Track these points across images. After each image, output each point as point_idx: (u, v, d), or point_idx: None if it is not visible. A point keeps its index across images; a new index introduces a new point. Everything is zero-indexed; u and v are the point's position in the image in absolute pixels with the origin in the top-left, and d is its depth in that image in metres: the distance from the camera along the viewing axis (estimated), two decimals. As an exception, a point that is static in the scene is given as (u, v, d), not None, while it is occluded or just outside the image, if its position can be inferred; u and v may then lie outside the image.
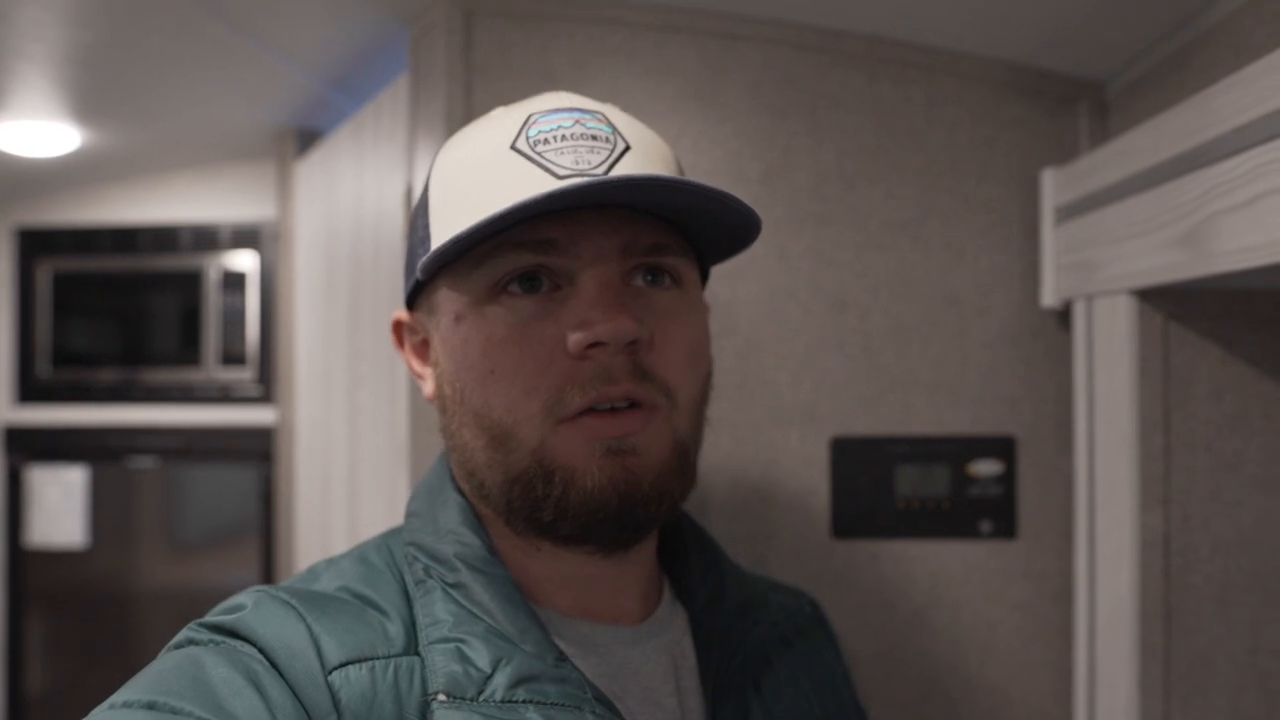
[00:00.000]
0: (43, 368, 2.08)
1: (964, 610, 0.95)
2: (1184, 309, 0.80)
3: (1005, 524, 0.95)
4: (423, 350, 0.61)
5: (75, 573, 2.08)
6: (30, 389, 2.09)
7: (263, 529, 1.99)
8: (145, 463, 2.06)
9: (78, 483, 2.07)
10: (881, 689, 0.94)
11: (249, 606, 0.50)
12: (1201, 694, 0.81)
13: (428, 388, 0.60)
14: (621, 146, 0.53)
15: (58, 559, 2.08)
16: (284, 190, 1.76)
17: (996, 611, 0.95)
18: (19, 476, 2.10)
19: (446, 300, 0.55)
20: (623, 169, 0.52)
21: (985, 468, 0.95)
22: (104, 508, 2.08)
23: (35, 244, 2.08)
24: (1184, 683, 0.81)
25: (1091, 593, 0.89)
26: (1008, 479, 0.95)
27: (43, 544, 2.08)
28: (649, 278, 0.54)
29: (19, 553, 2.09)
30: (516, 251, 0.51)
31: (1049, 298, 0.93)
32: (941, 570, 0.95)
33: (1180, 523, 0.81)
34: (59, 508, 2.08)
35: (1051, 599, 0.95)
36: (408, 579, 0.55)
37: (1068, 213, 0.90)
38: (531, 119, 0.54)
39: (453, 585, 0.53)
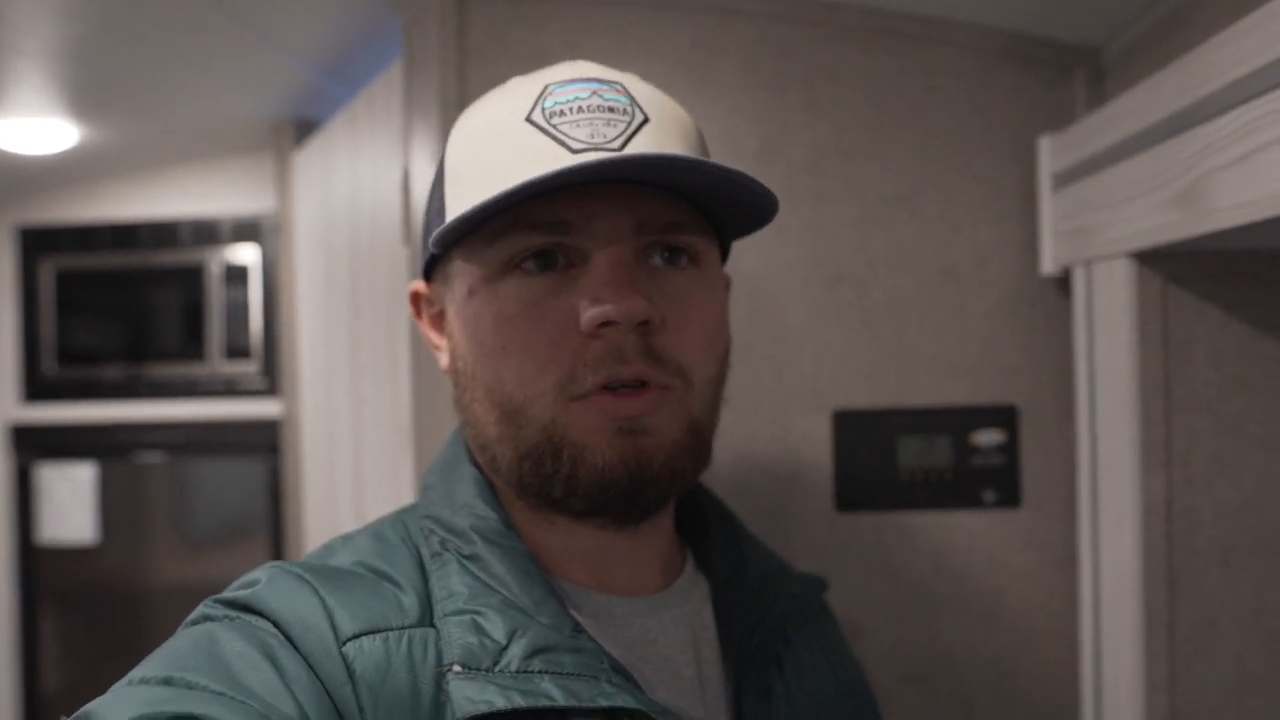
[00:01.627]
0: (48, 366, 2.09)
1: (969, 580, 0.95)
2: (1183, 271, 0.80)
3: (1008, 493, 0.95)
4: (439, 321, 0.61)
5: (86, 569, 2.09)
6: (36, 387, 2.10)
7: (272, 521, 2.00)
8: (153, 458, 2.07)
9: (86, 479, 2.08)
10: (887, 660, 0.94)
11: (263, 581, 0.50)
12: (1206, 656, 0.81)
13: (443, 359, 0.60)
14: (639, 119, 0.52)
15: (69, 556, 2.10)
16: (283, 182, 1.76)
17: (1001, 580, 0.95)
18: (28, 475, 2.11)
19: (461, 273, 0.55)
20: (640, 142, 0.51)
21: (987, 437, 0.95)
22: (113, 504, 2.09)
23: (37, 242, 2.08)
24: (1188, 645, 0.81)
25: (1095, 559, 0.89)
26: (1010, 448, 0.95)
27: (53, 541, 2.10)
28: (665, 256, 0.53)
29: (30, 550, 2.11)
30: (530, 231, 0.51)
31: (1048, 265, 0.93)
32: (946, 540, 0.95)
33: (1183, 486, 0.81)
34: (69, 505, 2.09)
35: (1056, 566, 0.95)
36: (424, 552, 0.55)
37: (1065, 178, 0.90)
38: (548, 90, 0.53)
39: (468, 557, 0.54)
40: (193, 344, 2.04)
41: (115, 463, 2.08)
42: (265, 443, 1.98)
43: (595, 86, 0.53)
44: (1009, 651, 0.95)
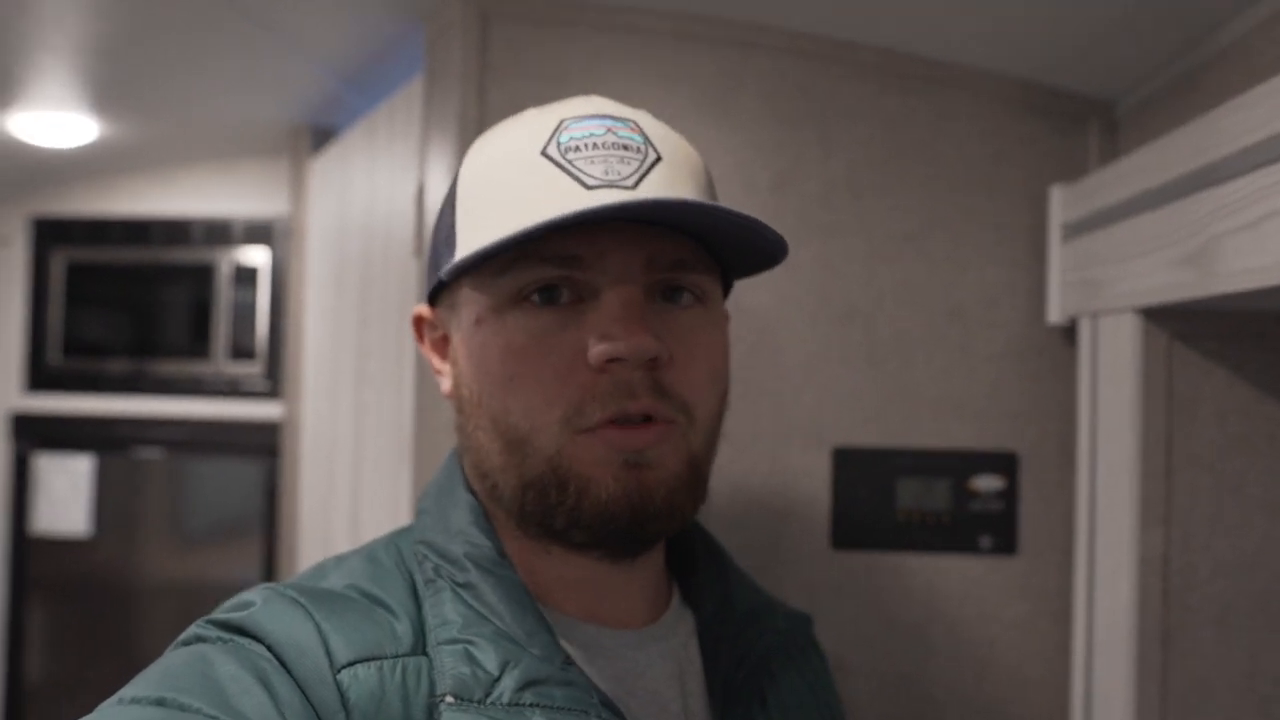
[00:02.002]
0: (53, 356, 2.10)
1: (962, 625, 0.94)
2: (1190, 329, 0.80)
3: (1005, 540, 0.94)
4: (442, 346, 0.61)
5: (79, 561, 2.09)
6: (40, 377, 2.10)
7: (266, 523, 2.00)
8: (151, 454, 2.07)
9: (84, 472, 2.09)
10: (876, 701, 0.94)
11: (258, 604, 0.50)
12: (1198, 716, 0.80)
13: (445, 384, 0.60)
14: (652, 158, 0.53)
15: (62, 547, 2.09)
16: (297, 187, 1.77)
17: (994, 627, 0.94)
18: (26, 463, 2.11)
19: (468, 301, 0.55)
20: (653, 181, 0.52)
21: (987, 483, 0.95)
22: (109, 497, 2.09)
23: (50, 233, 2.10)
24: (1181, 704, 0.80)
25: (1090, 611, 0.88)
26: (1009, 495, 0.95)
27: (48, 532, 2.10)
28: (671, 293, 0.54)
29: (24, 539, 2.11)
30: (541, 265, 0.51)
31: (1055, 314, 0.93)
32: (940, 584, 0.95)
33: (1180, 543, 0.81)
34: (65, 496, 2.09)
35: (1050, 616, 0.94)
36: (417, 578, 0.55)
37: (1075, 230, 0.90)
38: (564, 124, 0.54)
39: (462, 585, 0.54)
40: (198, 342, 2.05)
41: (114, 456, 2.08)
42: (264, 445, 1.98)
43: (610, 123, 0.54)
44: (999, 699, 0.94)
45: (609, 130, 0.53)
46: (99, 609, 2.08)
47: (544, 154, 0.52)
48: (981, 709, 0.94)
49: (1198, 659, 0.81)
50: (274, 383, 1.99)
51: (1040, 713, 0.94)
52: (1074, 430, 0.94)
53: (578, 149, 0.52)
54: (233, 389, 2.02)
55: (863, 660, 0.94)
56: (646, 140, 0.54)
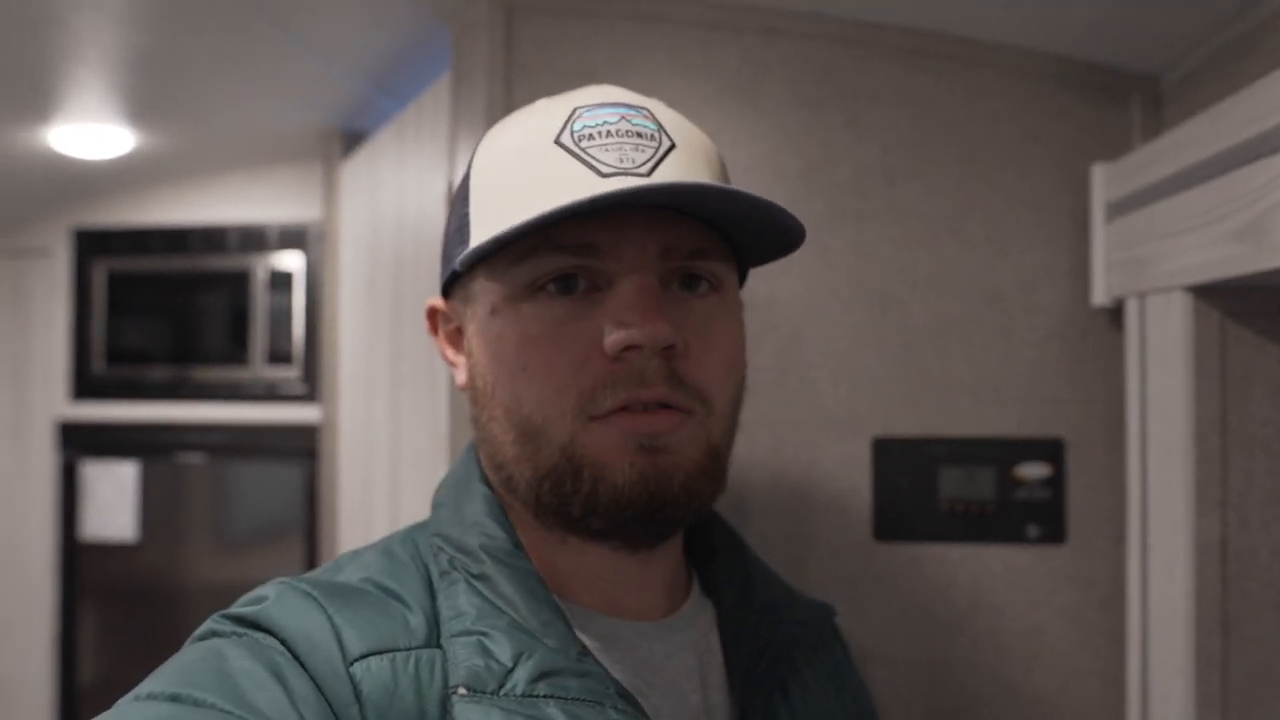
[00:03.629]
0: (97, 365, 2.14)
1: (1009, 616, 0.92)
2: (1242, 306, 0.78)
3: (1053, 528, 0.92)
4: (456, 338, 0.61)
5: (126, 566, 2.13)
6: (85, 385, 2.15)
7: (307, 524, 2.03)
8: (194, 459, 2.10)
9: (129, 478, 2.13)
10: (922, 696, 0.92)
11: (271, 598, 0.50)
12: (1261, 706, 0.78)
13: (460, 376, 0.60)
14: (666, 145, 0.52)
15: (110, 552, 2.14)
16: (329, 191, 1.78)
17: (1043, 617, 0.92)
18: (74, 471, 2.16)
19: (483, 291, 0.55)
20: (667, 168, 0.51)
21: (1032, 470, 0.92)
22: (154, 502, 2.13)
23: (91, 244, 2.14)
24: (1243, 694, 0.78)
25: (1144, 599, 0.86)
26: (1056, 482, 0.92)
27: (96, 537, 2.14)
28: (688, 282, 0.53)
29: (74, 545, 2.15)
30: (557, 254, 0.51)
31: (1100, 295, 0.91)
32: (986, 575, 0.93)
33: (1238, 527, 0.78)
34: (111, 502, 2.13)
35: (1100, 605, 0.92)
36: (432, 570, 0.55)
37: (1120, 208, 0.87)
38: (576, 113, 0.53)
39: (477, 576, 0.53)
40: (237, 348, 2.07)
41: (157, 462, 2.12)
42: (303, 447, 2.00)
43: (623, 111, 0.53)
44: (1050, 692, 0.92)
45: (622, 118, 0.52)
46: (147, 612, 2.12)
47: (557, 142, 0.52)
48: (1031, 700, 0.92)
49: (1259, 646, 0.78)
50: (311, 386, 2.02)
51: (1091, 703, 0.92)
52: (1122, 414, 0.91)
53: (591, 137, 0.52)
54: (271, 393, 2.05)
55: (907, 653, 0.92)
56: (660, 128, 0.53)
